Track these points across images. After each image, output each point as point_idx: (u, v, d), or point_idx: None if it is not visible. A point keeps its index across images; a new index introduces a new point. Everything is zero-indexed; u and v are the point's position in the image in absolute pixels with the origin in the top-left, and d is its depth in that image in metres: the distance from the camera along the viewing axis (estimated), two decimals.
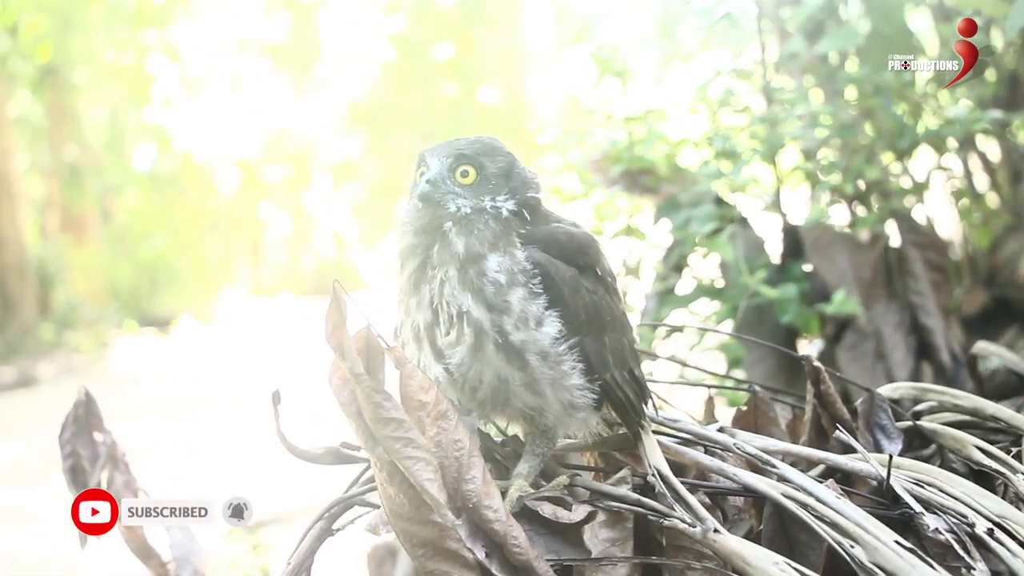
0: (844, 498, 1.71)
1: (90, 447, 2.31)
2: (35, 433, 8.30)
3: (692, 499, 1.67)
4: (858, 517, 1.65)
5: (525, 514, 1.70)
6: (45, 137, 17.91)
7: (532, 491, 1.77)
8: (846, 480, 1.93)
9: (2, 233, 15.16)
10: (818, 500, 1.70)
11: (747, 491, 1.78)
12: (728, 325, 3.40)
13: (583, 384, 1.78)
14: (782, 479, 1.79)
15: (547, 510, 1.71)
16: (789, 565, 1.56)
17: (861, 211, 3.62)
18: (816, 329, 3.38)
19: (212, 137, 18.95)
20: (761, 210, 3.62)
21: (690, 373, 2.92)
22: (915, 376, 3.22)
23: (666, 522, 1.68)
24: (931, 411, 2.26)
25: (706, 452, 1.90)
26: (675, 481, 1.71)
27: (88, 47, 17.02)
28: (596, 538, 1.72)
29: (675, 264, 3.51)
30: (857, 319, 3.26)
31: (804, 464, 2.01)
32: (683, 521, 1.64)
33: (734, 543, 1.57)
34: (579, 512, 1.71)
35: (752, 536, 1.79)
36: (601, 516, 1.73)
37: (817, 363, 2.10)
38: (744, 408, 2.17)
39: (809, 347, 3.50)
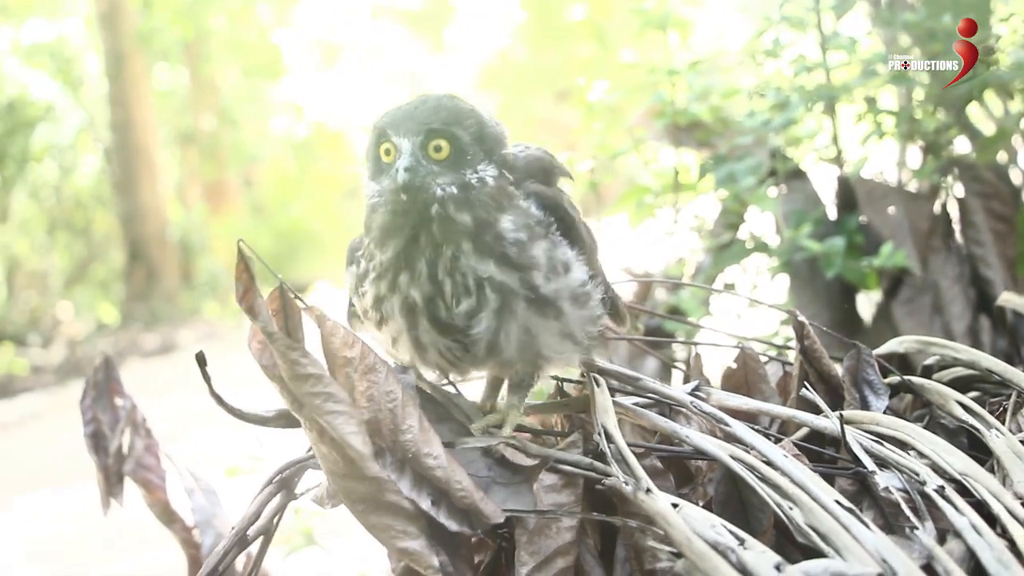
0: (791, 458, 1.65)
1: (110, 412, 2.37)
2: (173, 396, 8.56)
3: (632, 459, 1.64)
4: (803, 478, 1.60)
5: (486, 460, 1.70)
6: (185, 108, 18.41)
7: (524, 418, 1.82)
8: (828, 440, 1.88)
9: (144, 204, 15.71)
10: (765, 461, 1.66)
11: (698, 453, 1.73)
12: (783, 280, 3.34)
13: (602, 314, 1.80)
14: (733, 439, 1.74)
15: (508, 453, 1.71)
16: (725, 527, 1.52)
17: (921, 163, 3.48)
18: (874, 283, 3.27)
19: (346, 104, 19.21)
20: (818, 162, 3.51)
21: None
22: (973, 331, 3.11)
23: (606, 481, 1.65)
24: (942, 366, 2.19)
25: (669, 413, 1.88)
26: (619, 440, 1.68)
27: (220, 20, 17.43)
28: (544, 504, 1.69)
29: (729, 221, 3.45)
30: (913, 272, 3.15)
31: (793, 426, 1.96)
32: (620, 481, 1.61)
33: (660, 504, 1.53)
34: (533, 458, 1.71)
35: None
36: (548, 481, 1.71)
37: (801, 318, 2.04)
38: (734, 366, 2.12)
39: (867, 302, 3.40)
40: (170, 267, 16.01)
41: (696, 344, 2.48)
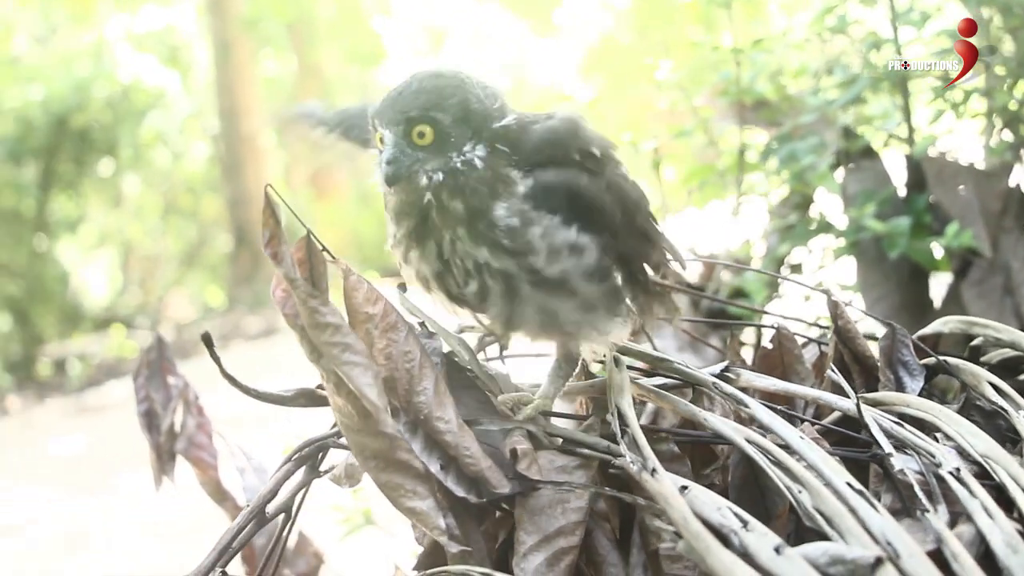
0: (807, 440, 1.62)
1: (163, 390, 2.42)
2: (272, 378, 8.72)
3: (642, 440, 1.62)
4: (816, 460, 1.57)
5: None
6: (291, 94, 18.65)
7: (551, 406, 1.80)
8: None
9: (249, 189, 15.95)
10: (781, 444, 1.63)
11: (716, 436, 1.71)
12: (850, 261, 3.28)
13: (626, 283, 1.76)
14: (752, 421, 1.72)
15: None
16: (731, 510, 1.50)
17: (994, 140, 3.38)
18: (945, 265, 3.19)
19: None
20: (888, 142, 3.44)
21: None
22: None
23: (616, 461, 1.64)
24: (996, 347, 2.13)
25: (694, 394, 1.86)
26: (632, 421, 1.67)
27: (325, 5, 17.63)
28: (551, 487, 1.66)
29: (795, 201, 3.40)
30: (983, 253, 3.06)
31: (828, 409, 1.92)
32: (628, 461, 1.60)
33: (663, 485, 1.51)
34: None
35: None
36: (559, 462, 1.70)
37: (835, 298, 2.00)
38: (770, 346, 2.09)
39: (938, 284, 3.31)
40: None
41: (756, 326, 2.46)
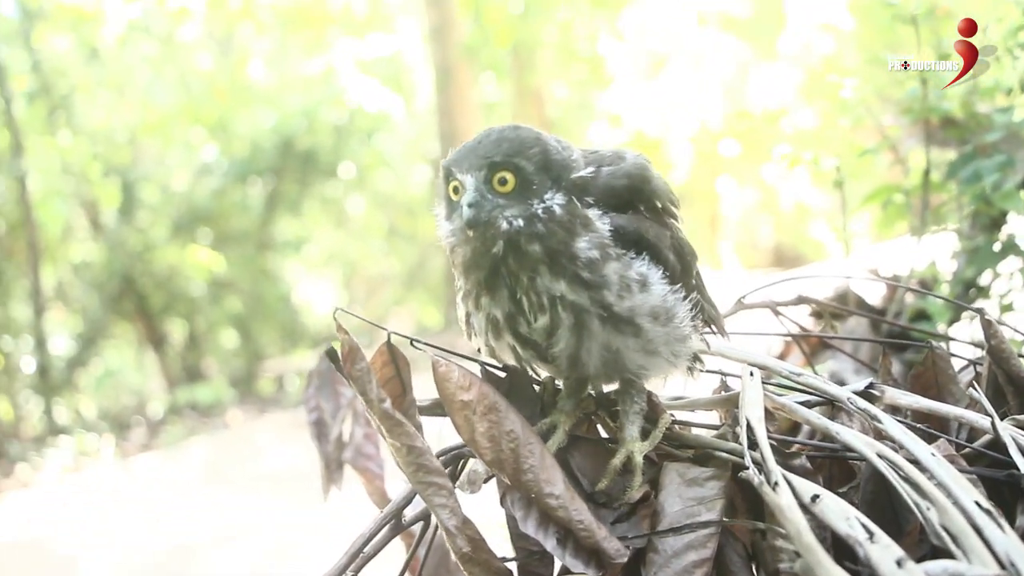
0: (938, 457, 1.58)
1: (332, 400, 2.49)
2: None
3: (767, 452, 1.61)
4: (945, 478, 1.53)
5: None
6: (510, 119, 18.92)
7: (648, 445, 1.77)
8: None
9: None
10: (912, 460, 1.60)
11: (847, 450, 1.69)
12: None
13: (691, 332, 1.75)
14: (882, 437, 1.69)
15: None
16: (859, 521, 1.48)
17: None
18: None
19: (667, 113, 19.25)
20: None
21: None
22: None
23: (741, 475, 1.64)
24: None
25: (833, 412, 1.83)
26: (760, 434, 1.66)
27: (548, 31, 17.84)
28: (680, 497, 1.68)
29: (982, 222, 3.28)
30: None
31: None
32: (752, 474, 1.59)
33: (783, 498, 1.50)
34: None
35: None
36: (691, 474, 1.70)
37: (989, 317, 1.94)
38: (922, 366, 2.04)
39: None
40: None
41: (914, 345, 2.40)
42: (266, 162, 15.92)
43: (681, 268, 1.77)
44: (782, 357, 3.06)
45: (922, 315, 3.15)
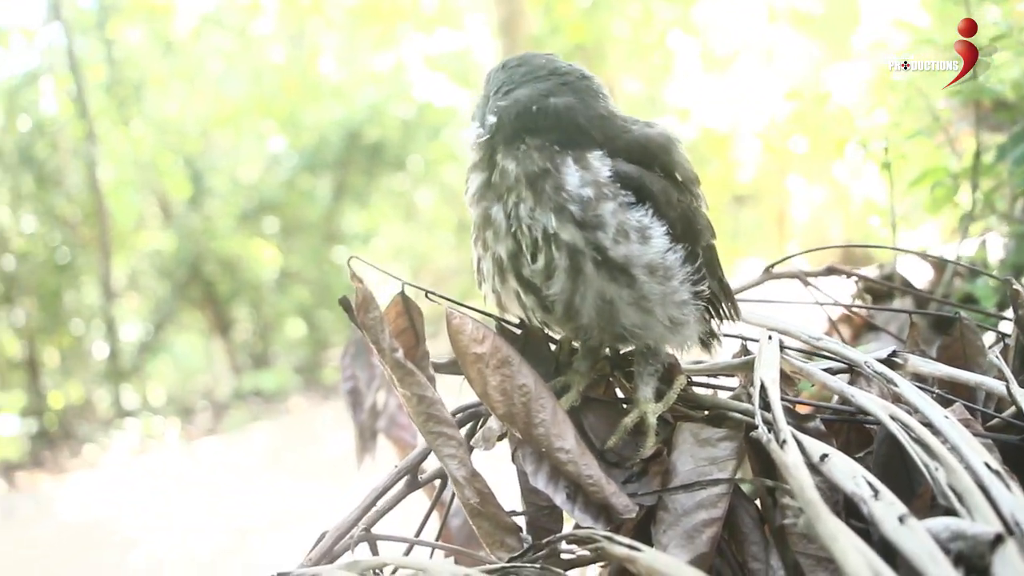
0: (951, 420, 1.57)
1: (368, 369, 2.52)
2: None
3: (778, 411, 1.60)
4: (957, 440, 1.52)
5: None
6: None
7: (662, 406, 1.76)
8: None
9: None
10: (924, 423, 1.58)
11: (861, 412, 1.67)
12: None
13: (690, 299, 1.72)
14: (900, 402, 1.67)
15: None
16: (866, 479, 1.47)
17: None
18: None
19: (735, 108, 19.08)
20: None
21: None
22: None
23: (752, 434, 1.63)
24: None
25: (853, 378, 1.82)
26: (773, 394, 1.65)
27: (619, 24, 17.78)
28: (692, 457, 1.67)
29: None
30: None
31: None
32: (762, 433, 1.59)
33: (790, 456, 1.49)
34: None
35: None
36: (705, 434, 1.69)
37: (1018, 286, 1.92)
38: (949, 336, 2.02)
39: None
40: None
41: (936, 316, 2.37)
42: (333, 154, 16.06)
43: (685, 232, 1.73)
44: (828, 335, 3.03)
45: (970, 299, 3.11)
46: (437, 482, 1.87)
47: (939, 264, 3.17)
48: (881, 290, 2.85)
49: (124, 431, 12.31)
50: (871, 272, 3.08)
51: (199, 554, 7.42)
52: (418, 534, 1.84)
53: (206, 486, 9.53)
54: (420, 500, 1.90)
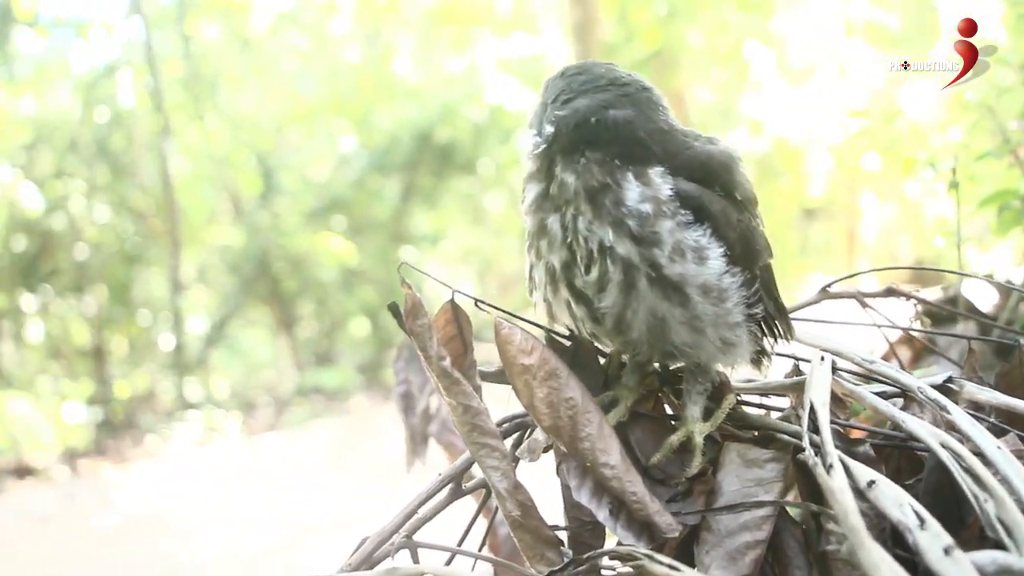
0: (1003, 450, 1.54)
1: (421, 373, 2.51)
2: None
3: (827, 435, 1.58)
4: (1008, 471, 1.49)
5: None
6: None
7: (710, 426, 1.74)
8: None
9: None
10: (976, 453, 1.55)
11: (912, 438, 1.65)
12: None
13: (743, 320, 1.70)
14: (954, 429, 1.64)
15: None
16: (912, 507, 1.45)
17: None
18: None
19: (810, 122, 18.91)
20: None
21: None
22: None
23: (799, 456, 1.61)
24: None
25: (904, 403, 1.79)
26: (821, 416, 1.63)
27: (694, 33, 17.70)
28: (738, 478, 1.65)
29: None
30: None
31: None
32: (808, 456, 1.57)
33: (835, 481, 1.47)
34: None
35: None
36: (752, 455, 1.67)
37: None
38: (1008, 363, 1.98)
39: None
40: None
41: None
42: (403, 155, 16.14)
43: (744, 253, 1.70)
44: (886, 358, 2.99)
45: None
46: (483, 489, 1.86)
47: (1004, 289, 3.11)
48: (941, 313, 2.80)
49: (186, 423, 12.44)
50: (934, 294, 3.02)
51: (255, 548, 7.47)
52: (461, 543, 1.83)
53: (265, 481, 9.61)
54: (468, 505, 1.90)
